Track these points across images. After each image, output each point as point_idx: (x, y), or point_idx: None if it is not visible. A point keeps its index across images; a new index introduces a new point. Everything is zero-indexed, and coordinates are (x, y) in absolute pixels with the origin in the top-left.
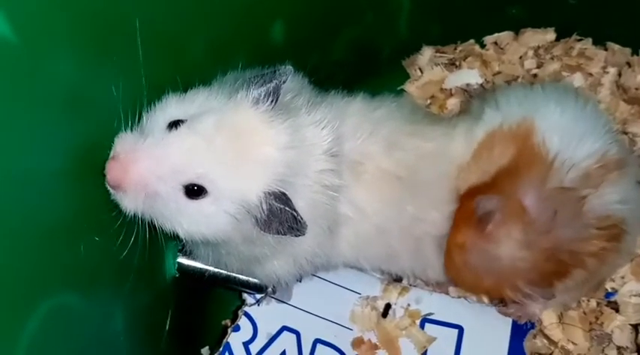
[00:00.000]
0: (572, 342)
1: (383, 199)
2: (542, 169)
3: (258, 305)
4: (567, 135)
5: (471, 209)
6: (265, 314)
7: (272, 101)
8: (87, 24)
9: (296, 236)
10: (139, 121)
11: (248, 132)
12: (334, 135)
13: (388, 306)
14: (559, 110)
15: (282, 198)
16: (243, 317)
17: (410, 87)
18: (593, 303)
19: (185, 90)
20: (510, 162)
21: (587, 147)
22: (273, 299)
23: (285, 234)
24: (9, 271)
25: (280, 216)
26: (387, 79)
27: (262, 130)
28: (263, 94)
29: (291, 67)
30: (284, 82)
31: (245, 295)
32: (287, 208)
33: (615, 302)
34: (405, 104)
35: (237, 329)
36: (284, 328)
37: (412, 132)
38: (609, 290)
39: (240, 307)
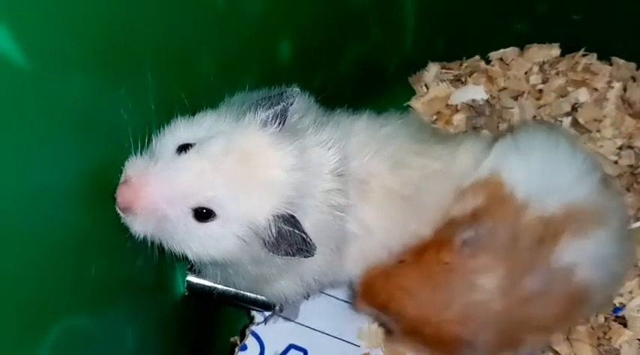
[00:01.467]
0: None
1: (388, 217)
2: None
3: (266, 323)
4: (533, 186)
5: (451, 234)
6: (272, 333)
7: (279, 123)
8: (97, 47)
9: (305, 257)
10: (148, 144)
11: (256, 155)
12: (340, 155)
13: None
14: (524, 162)
15: (291, 220)
16: (250, 336)
17: (416, 103)
18: (601, 318)
19: (194, 111)
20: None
21: (554, 198)
22: (280, 318)
23: (294, 256)
24: (20, 293)
25: (289, 238)
26: (393, 95)
27: (270, 153)
28: (271, 117)
29: (298, 89)
30: (291, 104)
31: (253, 313)
32: (296, 231)
33: (623, 317)
34: (412, 122)
35: (244, 348)
36: (291, 346)
37: (418, 150)
38: (617, 305)
39: (247, 326)
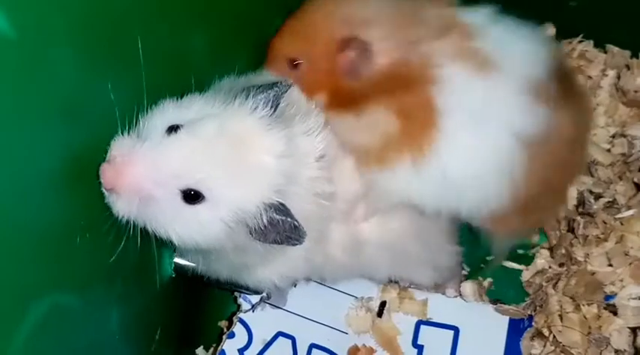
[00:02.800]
0: (570, 345)
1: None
2: None
3: (253, 311)
4: None
5: None
6: (260, 320)
7: (271, 110)
8: (85, 23)
9: (293, 245)
10: (136, 124)
11: (247, 140)
12: (325, 144)
13: (383, 305)
14: None
15: (282, 208)
16: (237, 323)
17: None
18: (594, 309)
19: (183, 94)
20: None
21: None
22: (267, 305)
23: (282, 243)
24: (3, 270)
25: (279, 226)
26: None
27: (261, 138)
28: (262, 103)
29: (291, 80)
30: (284, 93)
31: (240, 300)
32: (288, 219)
33: (614, 306)
34: None
35: (232, 335)
36: (279, 334)
37: None
38: (608, 293)
39: (235, 313)
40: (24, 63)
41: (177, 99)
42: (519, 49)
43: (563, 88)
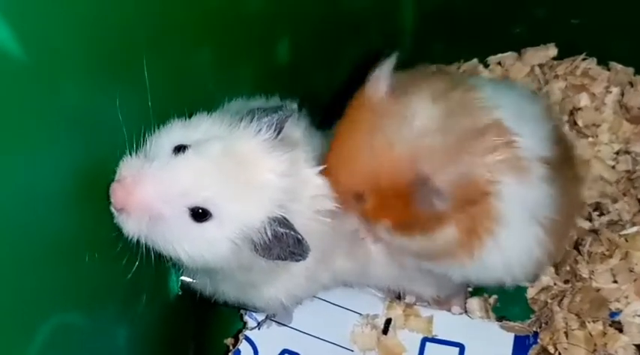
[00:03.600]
0: None
1: None
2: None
3: (259, 328)
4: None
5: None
6: (266, 338)
7: (275, 133)
8: (93, 43)
9: (297, 261)
10: (143, 144)
11: (252, 160)
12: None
13: (388, 322)
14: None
15: (285, 222)
16: (243, 341)
17: None
18: (599, 326)
19: (189, 112)
20: None
21: None
22: (273, 322)
23: (285, 259)
24: (12, 289)
25: (283, 241)
26: None
27: (265, 159)
28: (267, 126)
29: (295, 105)
30: (287, 118)
31: (246, 317)
32: (292, 232)
33: (619, 322)
34: None
35: (237, 353)
36: (285, 351)
37: None
38: (613, 310)
39: (241, 330)
40: (32, 82)
41: (183, 117)
42: (535, 133)
43: (562, 158)
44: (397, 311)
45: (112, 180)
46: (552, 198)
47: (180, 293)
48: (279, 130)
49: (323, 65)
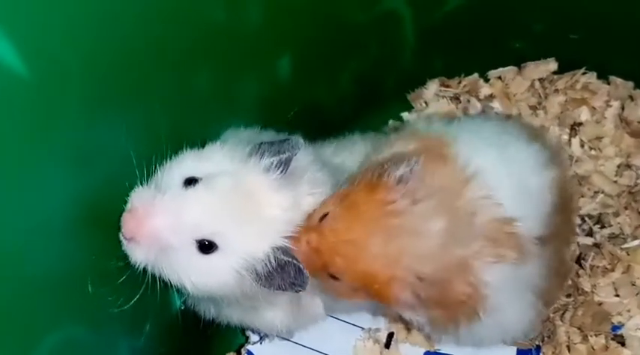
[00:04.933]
0: None
1: None
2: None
3: (261, 343)
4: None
5: (382, 173)
6: (268, 352)
7: (282, 170)
8: (95, 64)
9: (296, 291)
10: (148, 170)
11: (260, 197)
12: None
13: (391, 336)
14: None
15: (288, 251)
16: None
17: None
18: (601, 339)
19: (191, 129)
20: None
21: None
22: (276, 337)
23: (285, 290)
24: (15, 305)
25: (284, 270)
26: (391, 110)
27: (271, 195)
28: (275, 164)
29: (302, 140)
30: (295, 154)
31: (248, 332)
32: (294, 261)
33: (621, 336)
34: None
35: None
36: None
37: None
38: (616, 323)
39: (243, 345)
40: (37, 107)
41: (186, 142)
42: (535, 212)
43: (560, 222)
44: (399, 325)
45: (120, 207)
46: (545, 267)
47: (182, 307)
48: (286, 168)
49: (324, 79)
